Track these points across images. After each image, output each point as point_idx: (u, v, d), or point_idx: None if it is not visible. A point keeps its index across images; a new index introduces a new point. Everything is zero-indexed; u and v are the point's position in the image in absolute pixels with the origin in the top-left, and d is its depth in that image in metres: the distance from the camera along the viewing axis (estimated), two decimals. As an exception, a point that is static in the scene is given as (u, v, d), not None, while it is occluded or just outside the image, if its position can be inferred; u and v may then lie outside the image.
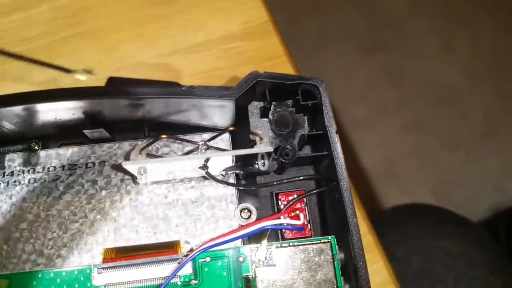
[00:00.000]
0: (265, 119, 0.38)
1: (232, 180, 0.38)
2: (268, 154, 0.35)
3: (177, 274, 0.34)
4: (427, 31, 1.42)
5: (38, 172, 0.39)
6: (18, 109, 0.34)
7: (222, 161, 0.37)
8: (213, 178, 0.35)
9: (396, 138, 1.33)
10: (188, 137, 0.38)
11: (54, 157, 0.40)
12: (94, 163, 0.39)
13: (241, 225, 0.37)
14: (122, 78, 0.50)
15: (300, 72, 0.53)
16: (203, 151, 0.36)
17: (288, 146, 0.34)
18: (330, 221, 0.37)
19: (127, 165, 0.33)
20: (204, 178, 0.38)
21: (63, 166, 0.39)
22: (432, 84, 1.36)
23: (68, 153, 0.40)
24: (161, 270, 0.34)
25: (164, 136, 0.34)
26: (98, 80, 0.47)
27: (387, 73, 1.39)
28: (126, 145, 0.40)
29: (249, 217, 0.37)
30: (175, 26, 0.57)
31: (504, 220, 1.07)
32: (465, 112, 1.33)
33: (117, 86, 0.34)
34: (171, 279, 0.33)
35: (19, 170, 0.39)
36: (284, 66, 0.55)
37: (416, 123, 1.33)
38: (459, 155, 1.30)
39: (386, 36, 1.42)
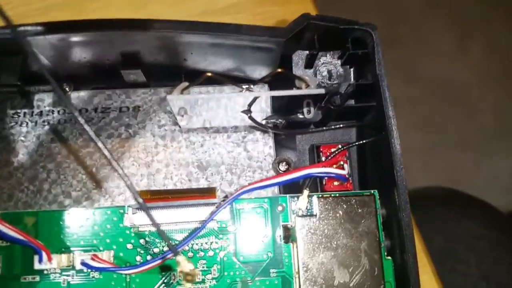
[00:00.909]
0: (310, 70, 0.37)
1: (271, 131, 0.37)
2: (315, 101, 0.34)
3: (215, 218, 0.32)
4: (442, 30, 1.41)
5: (68, 113, 0.38)
6: (55, 38, 0.33)
7: (262, 110, 0.36)
8: (256, 122, 0.33)
9: (406, 135, 1.31)
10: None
11: (86, 99, 0.38)
12: (128, 107, 0.38)
13: (279, 176, 0.35)
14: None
15: None
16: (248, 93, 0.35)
17: (338, 93, 0.32)
18: (371, 178, 0.36)
19: (171, 99, 0.31)
20: (242, 128, 0.37)
21: (95, 109, 0.38)
22: (444, 82, 1.35)
23: (101, 96, 0.38)
24: (198, 213, 0.32)
25: (209, 74, 0.32)
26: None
27: (399, 69, 1.37)
28: (161, 92, 0.38)
29: (287, 169, 0.36)
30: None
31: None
32: (476, 112, 1.32)
33: (160, 21, 0.32)
34: (208, 222, 0.31)
35: (49, 110, 0.38)
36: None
37: (426, 121, 1.32)
38: (468, 155, 1.29)
39: (400, 32, 1.41)
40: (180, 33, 0.32)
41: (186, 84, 0.33)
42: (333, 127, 0.36)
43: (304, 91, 0.31)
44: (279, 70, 0.33)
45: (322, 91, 0.31)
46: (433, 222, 0.61)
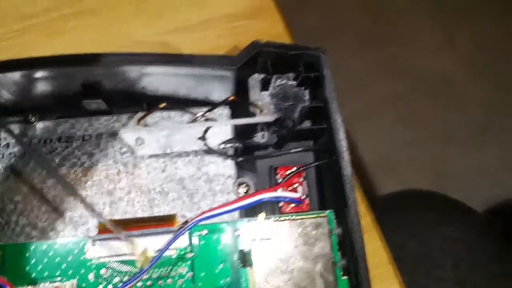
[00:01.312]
0: (266, 92, 0.37)
1: (231, 153, 0.38)
2: (268, 126, 0.34)
3: (173, 246, 0.33)
4: (427, 24, 1.41)
5: (34, 144, 0.39)
6: (16, 75, 0.34)
7: (221, 134, 0.37)
8: (211, 149, 0.34)
9: (393, 131, 1.32)
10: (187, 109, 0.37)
11: (50, 129, 0.39)
12: (91, 136, 0.39)
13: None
14: (119, 53, 0.49)
15: None
16: (202, 122, 0.36)
17: (289, 118, 0.33)
18: (329, 197, 0.37)
19: (125, 134, 0.32)
20: (203, 152, 0.38)
21: (59, 138, 0.39)
22: (430, 76, 1.35)
23: (65, 125, 0.39)
24: (157, 242, 0.33)
25: (163, 104, 0.33)
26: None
27: (385, 65, 1.38)
28: (124, 118, 0.39)
29: (247, 191, 0.37)
30: (177, 3, 0.56)
31: (501, 212, 1.07)
32: (463, 105, 1.32)
33: (116, 54, 0.33)
34: (165, 250, 0.32)
35: (15, 142, 0.39)
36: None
37: (413, 115, 1.33)
38: (456, 147, 1.29)
39: (385, 28, 1.41)
40: (133, 66, 0.33)
41: (141, 114, 0.34)
42: (288, 151, 0.37)
43: (253, 119, 0.32)
44: (232, 97, 0.34)
45: (271, 118, 0.32)
46: (409, 227, 0.61)
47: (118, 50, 0.53)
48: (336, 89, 0.33)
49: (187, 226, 0.32)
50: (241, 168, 0.38)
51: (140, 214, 0.37)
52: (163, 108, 0.35)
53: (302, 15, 1.40)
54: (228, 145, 0.37)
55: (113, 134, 0.38)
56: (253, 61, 0.34)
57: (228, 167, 0.38)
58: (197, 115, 0.35)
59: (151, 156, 0.38)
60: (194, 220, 0.32)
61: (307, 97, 0.37)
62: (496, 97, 1.33)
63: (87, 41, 0.55)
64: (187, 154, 0.38)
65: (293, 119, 0.34)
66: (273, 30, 0.55)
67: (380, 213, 0.63)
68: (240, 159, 0.36)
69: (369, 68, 1.37)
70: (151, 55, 0.33)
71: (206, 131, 0.33)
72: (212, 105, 0.38)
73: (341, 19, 1.41)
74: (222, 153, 0.36)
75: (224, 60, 0.33)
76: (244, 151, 0.38)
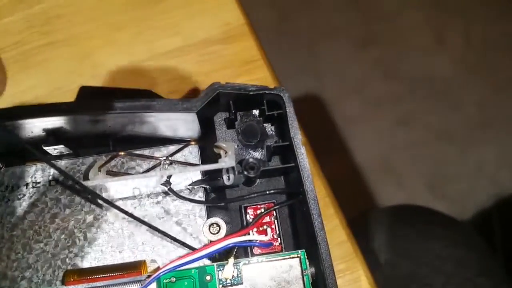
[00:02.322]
0: (232, 129, 0.37)
1: (200, 194, 0.37)
2: (233, 168, 0.34)
3: (141, 296, 0.32)
4: (420, 24, 1.40)
5: (1, 191, 0.38)
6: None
7: (189, 174, 0.36)
8: (176, 194, 0.34)
9: (390, 132, 1.31)
10: (151, 151, 0.36)
11: (18, 175, 0.38)
12: (57, 180, 0.38)
13: (210, 240, 0.35)
14: (94, 87, 0.48)
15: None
16: (166, 166, 0.35)
17: (251, 160, 0.32)
18: (301, 235, 0.36)
19: (87, 184, 0.31)
20: (172, 192, 0.37)
21: (26, 184, 0.38)
22: (425, 77, 1.35)
23: (31, 171, 0.39)
24: (125, 292, 0.33)
25: (122, 153, 0.33)
26: (72, 90, 0.46)
27: (380, 67, 1.37)
28: (90, 160, 0.38)
29: (219, 231, 0.36)
30: (150, 31, 0.55)
31: (499, 211, 1.06)
32: (459, 105, 1.31)
33: (76, 101, 0.32)
34: (134, 301, 0.31)
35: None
36: (262, 70, 0.54)
37: (409, 116, 1.32)
38: (453, 147, 1.28)
39: (379, 29, 1.40)
40: (92, 114, 0.32)
41: (102, 161, 0.33)
42: (256, 193, 0.36)
43: (213, 166, 0.31)
44: (192, 142, 0.33)
45: (232, 164, 0.31)
46: (398, 245, 0.60)
47: (90, 80, 0.54)
48: (299, 127, 0.33)
49: (153, 277, 0.31)
50: (211, 207, 0.37)
51: (109, 260, 0.36)
52: (122, 156, 0.34)
53: (298, 17, 1.40)
54: (196, 186, 0.36)
55: (78, 179, 0.37)
56: (215, 102, 0.34)
57: (198, 207, 0.37)
58: (160, 159, 0.34)
59: (119, 199, 0.37)
60: (161, 271, 0.32)
61: (274, 133, 0.36)
62: (493, 97, 1.32)
63: (61, 72, 0.54)
64: (156, 195, 0.37)
65: (257, 162, 0.33)
66: (249, 53, 0.54)
67: (370, 231, 0.63)
68: (204, 202, 0.35)
69: (365, 70, 1.36)
70: (106, 103, 0.32)
71: (169, 177, 0.33)
72: (180, 142, 0.37)
73: (335, 21, 1.40)
74: (190, 200, 0.35)
75: (184, 104, 0.32)
76: (214, 190, 0.37)
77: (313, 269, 0.33)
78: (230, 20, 0.56)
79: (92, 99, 0.39)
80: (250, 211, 0.36)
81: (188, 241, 0.36)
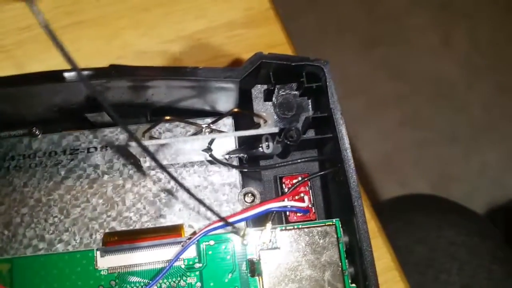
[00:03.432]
0: (269, 102, 0.38)
1: (235, 163, 0.38)
2: (273, 136, 0.35)
3: (181, 257, 0.33)
4: (426, 25, 1.41)
5: (39, 157, 0.39)
6: (18, 90, 0.34)
7: (226, 144, 0.37)
8: (217, 160, 0.35)
9: (395, 132, 1.32)
10: (191, 121, 0.37)
11: (55, 142, 0.39)
12: (96, 148, 0.39)
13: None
14: (123, 66, 0.49)
15: None
16: (207, 133, 0.36)
17: (293, 128, 0.33)
18: (334, 205, 0.37)
19: (131, 147, 0.32)
20: (208, 162, 0.38)
21: (64, 151, 0.39)
22: (431, 78, 1.36)
23: (69, 138, 0.39)
24: (165, 253, 0.34)
25: (168, 117, 0.33)
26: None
27: (386, 67, 1.38)
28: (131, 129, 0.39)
29: (253, 201, 0.37)
30: (176, 13, 0.56)
31: (503, 213, 1.07)
32: (464, 106, 1.33)
33: (119, 68, 0.33)
34: (174, 261, 0.32)
35: (20, 155, 0.39)
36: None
37: (415, 117, 1.33)
38: (458, 149, 1.29)
39: (385, 30, 1.42)
40: (138, 80, 0.33)
41: (146, 126, 0.34)
42: (294, 161, 0.37)
43: (257, 131, 0.32)
44: (235, 110, 0.34)
45: (275, 129, 0.32)
46: (414, 231, 0.62)
47: (117, 61, 0.54)
48: (339, 98, 0.34)
49: (196, 237, 0.32)
50: (246, 177, 0.38)
51: (147, 225, 0.37)
52: (168, 121, 0.35)
53: (303, 17, 1.41)
54: (233, 155, 0.37)
55: (118, 146, 0.38)
56: (256, 72, 0.35)
57: (233, 177, 0.38)
58: (202, 126, 0.35)
59: (156, 167, 0.38)
60: (202, 231, 0.33)
61: (310, 106, 0.38)
62: (499, 99, 1.33)
63: (86, 53, 0.55)
64: (192, 164, 0.38)
65: (298, 130, 0.34)
66: (272, 37, 0.55)
67: (385, 218, 0.64)
68: (244, 168, 0.36)
69: (371, 69, 1.37)
70: (155, 69, 0.33)
71: (210, 143, 0.34)
72: (216, 116, 0.38)
73: (341, 21, 1.41)
74: (229, 164, 0.36)
75: (228, 73, 0.33)
76: (249, 161, 0.38)
77: (347, 238, 0.34)
78: (254, 4, 0.57)
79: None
80: (286, 181, 0.37)
81: (224, 209, 0.37)
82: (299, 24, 1.40)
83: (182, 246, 0.33)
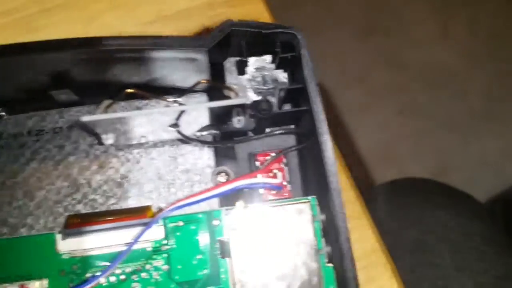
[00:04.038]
0: (243, 76, 0.35)
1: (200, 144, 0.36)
2: (244, 110, 0.33)
3: (148, 239, 0.31)
4: (425, 14, 1.39)
5: (3, 139, 0.37)
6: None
7: (199, 122, 0.35)
8: (184, 136, 0.33)
9: (394, 122, 1.30)
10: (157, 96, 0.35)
11: (21, 123, 0.37)
12: (61, 128, 0.37)
13: (218, 188, 0.34)
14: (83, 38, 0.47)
15: None
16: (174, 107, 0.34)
17: (264, 100, 0.31)
18: (312, 182, 0.35)
19: (87, 119, 0.30)
20: (179, 141, 0.36)
21: (29, 132, 0.37)
22: (430, 66, 1.34)
23: (35, 118, 0.37)
24: (130, 235, 0.31)
25: (129, 90, 0.31)
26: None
27: (384, 56, 1.36)
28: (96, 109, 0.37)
29: (227, 180, 0.35)
30: (156, -7, 0.54)
31: (502, 202, 1.05)
32: (463, 95, 1.31)
33: (81, 39, 0.31)
34: (135, 242, 0.30)
35: None
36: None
37: (413, 106, 1.31)
38: (457, 137, 1.27)
39: (383, 19, 1.39)
40: (98, 51, 0.31)
41: (109, 101, 0.32)
42: (266, 134, 0.35)
43: (225, 102, 0.30)
44: (203, 81, 0.32)
45: (245, 100, 0.30)
46: (406, 214, 0.60)
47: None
48: (315, 69, 0.32)
49: (159, 216, 0.30)
50: (220, 156, 0.36)
51: (113, 207, 0.35)
52: (134, 96, 0.33)
53: (299, 3, 1.39)
54: (205, 132, 0.35)
55: (83, 125, 0.36)
56: (227, 43, 0.33)
57: (206, 156, 0.36)
58: (168, 100, 0.33)
59: (124, 147, 0.36)
60: (167, 209, 0.30)
61: (286, 79, 0.35)
62: (498, 88, 1.31)
63: (64, 37, 0.53)
64: (162, 144, 0.36)
65: (270, 102, 0.32)
66: (256, 16, 0.53)
67: (376, 200, 0.62)
68: (217, 145, 0.34)
69: (368, 59, 1.35)
70: (115, 38, 0.31)
71: (178, 117, 0.32)
72: (189, 92, 0.36)
73: (339, 10, 1.39)
74: (198, 141, 0.34)
75: (195, 41, 0.31)
76: (222, 138, 0.36)
77: (323, 217, 0.32)
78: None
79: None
80: (259, 157, 0.35)
81: (196, 189, 0.35)
82: (296, 14, 1.38)
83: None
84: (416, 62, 1.35)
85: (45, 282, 0.31)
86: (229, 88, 0.32)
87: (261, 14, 0.53)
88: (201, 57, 0.33)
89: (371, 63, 1.35)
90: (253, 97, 0.34)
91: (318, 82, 0.32)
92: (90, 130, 0.34)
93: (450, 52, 1.35)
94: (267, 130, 0.36)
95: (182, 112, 0.32)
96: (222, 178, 0.35)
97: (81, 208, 0.35)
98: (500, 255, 0.56)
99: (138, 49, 0.31)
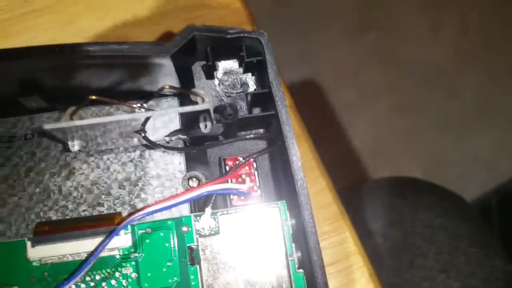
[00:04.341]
0: (212, 80, 0.35)
1: (179, 147, 0.36)
2: (210, 115, 0.32)
3: (116, 246, 0.31)
4: (416, 11, 1.39)
5: (-25, 146, 0.37)
6: None
7: (167, 125, 0.35)
8: (149, 141, 0.32)
9: (387, 120, 1.30)
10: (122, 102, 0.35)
11: (-9, 129, 0.37)
12: (33, 134, 0.37)
13: (188, 194, 0.34)
14: (47, 45, 0.47)
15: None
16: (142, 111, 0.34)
17: (228, 104, 0.31)
18: (284, 186, 0.35)
19: (50, 127, 0.30)
20: (149, 147, 0.36)
21: (1, 138, 0.37)
22: (422, 64, 1.34)
23: (6, 125, 0.37)
24: (99, 242, 0.31)
25: (93, 97, 0.31)
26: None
27: (376, 54, 1.36)
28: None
29: (198, 185, 0.35)
30: (133, -3, 0.54)
31: (496, 198, 1.05)
32: (455, 92, 1.30)
33: (43, 48, 0.31)
34: (101, 250, 0.30)
35: None
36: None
37: (406, 104, 1.31)
38: (450, 134, 1.27)
39: (375, 17, 1.39)
40: (63, 57, 0.31)
41: (73, 108, 0.32)
42: (233, 139, 0.35)
43: (186, 108, 0.30)
44: (167, 86, 0.32)
45: (207, 106, 0.30)
46: (388, 215, 0.59)
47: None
48: (279, 72, 0.32)
49: (124, 223, 0.30)
50: (191, 161, 0.36)
51: (84, 213, 0.35)
52: (98, 101, 0.33)
53: (291, 5, 1.38)
54: (174, 137, 0.35)
55: (53, 131, 0.36)
56: (192, 47, 0.33)
57: (177, 161, 0.36)
58: (134, 106, 0.33)
59: (95, 153, 0.36)
60: (134, 215, 0.30)
61: (254, 83, 0.35)
62: (489, 84, 1.31)
63: (42, 41, 0.53)
64: (133, 149, 0.36)
65: (235, 107, 0.32)
66: (233, 17, 0.53)
67: (361, 201, 0.62)
68: (184, 151, 0.34)
69: (361, 57, 1.35)
70: (78, 45, 0.31)
71: (144, 122, 0.32)
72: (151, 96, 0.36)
73: (331, 8, 1.39)
74: (164, 146, 0.34)
75: (157, 48, 0.31)
76: (193, 142, 0.36)
77: (293, 221, 0.32)
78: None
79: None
80: (229, 162, 0.35)
81: (167, 194, 0.35)
82: (288, 12, 1.38)
83: (117, 234, 0.31)
84: (409, 60, 1.34)
85: (15, 289, 0.31)
86: (195, 93, 0.32)
87: (240, 14, 0.53)
88: (166, 62, 0.32)
89: (363, 62, 1.35)
90: (217, 102, 0.33)
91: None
92: (56, 137, 0.34)
93: (442, 50, 1.35)
94: (239, 134, 0.36)
95: (148, 118, 0.32)
96: (193, 183, 0.35)
97: (53, 215, 0.35)
98: (488, 258, 0.55)
99: (101, 55, 0.31)
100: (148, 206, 0.31)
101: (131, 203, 0.35)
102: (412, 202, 0.60)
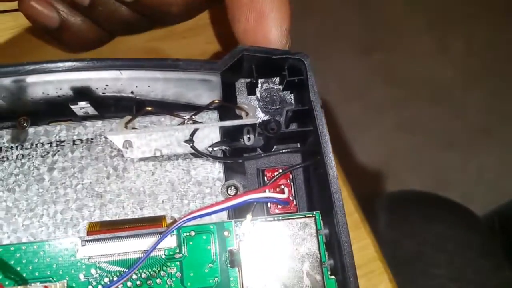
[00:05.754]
0: (253, 96, 0.38)
1: (219, 156, 0.38)
2: (254, 128, 0.35)
3: (162, 247, 0.34)
4: (423, 30, 1.42)
5: (26, 149, 0.39)
6: (6, 81, 0.34)
7: (210, 138, 0.37)
8: (197, 151, 0.35)
9: (392, 137, 1.33)
10: (174, 113, 0.38)
11: (42, 133, 0.40)
12: (81, 140, 0.39)
13: (227, 201, 0.36)
14: (104, 58, 0.49)
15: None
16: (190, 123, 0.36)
17: (273, 120, 0.34)
18: (316, 198, 0.37)
19: (111, 136, 0.33)
20: (192, 155, 0.38)
21: (51, 143, 0.39)
22: (428, 83, 1.37)
23: (56, 129, 0.40)
24: (145, 243, 0.34)
25: (149, 108, 0.34)
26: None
27: (382, 72, 1.39)
28: (114, 123, 0.40)
29: (236, 193, 0.37)
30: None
31: (499, 218, 1.07)
32: (461, 111, 1.33)
33: (102, 59, 0.33)
34: (152, 251, 0.33)
35: (7, 146, 0.39)
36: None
37: (411, 122, 1.34)
38: (454, 153, 1.30)
39: (382, 35, 1.42)
40: (120, 71, 0.34)
41: (129, 117, 0.35)
42: (273, 152, 0.37)
43: (236, 122, 0.33)
44: (216, 101, 0.34)
45: (254, 120, 0.32)
46: (404, 226, 0.62)
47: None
48: (319, 92, 0.34)
49: (175, 226, 0.32)
50: (230, 170, 0.39)
51: (130, 216, 0.37)
52: (150, 112, 0.35)
53: (301, 23, 1.41)
54: (216, 148, 0.37)
55: (103, 138, 0.39)
56: (238, 66, 0.35)
57: (217, 170, 0.38)
58: (184, 118, 0.35)
59: (140, 160, 0.38)
60: (181, 220, 0.33)
61: (293, 100, 0.38)
62: (495, 103, 1.33)
63: (92, 54, 0.55)
64: (176, 157, 0.39)
65: (278, 122, 0.34)
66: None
67: (376, 212, 0.64)
68: (228, 160, 0.37)
69: (368, 74, 1.38)
70: (136, 60, 0.33)
71: (192, 133, 0.34)
72: (202, 109, 0.38)
73: (338, 27, 1.42)
74: (210, 156, 0.36)
75: (209, 65, 0.34)
76: (232, 154, 0.38)
77: (327, 231, 0.35)
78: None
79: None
80: (267, 173, 0.37)
81: (207, 202, 0.37)
82: (296, 30, 1.41)
83: (162, 235, 0.33)
84: (415, 78, 1.37)
85: (65, 284, 0.33)
86: (240, 108, 0.35)
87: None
88: (214, 79, 0.35)
89: (370, 79, 1.38)
90: (262, 117, 0.36)
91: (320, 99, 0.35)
92: (107, 143, 0.36)
93: (448, 68, 1.38)
94: (275, 147, 0.38)
95: (196, 129, 0.34)
96: (231, 191, 0.37)
97: (99, 216, 0.37)
98: (498, 269, 0.58)
99: (158, 70, 0.33)
100: (196, 210, 0.33)
101: (174, 207, 0.37)
102: (424, 214, 0.63)
